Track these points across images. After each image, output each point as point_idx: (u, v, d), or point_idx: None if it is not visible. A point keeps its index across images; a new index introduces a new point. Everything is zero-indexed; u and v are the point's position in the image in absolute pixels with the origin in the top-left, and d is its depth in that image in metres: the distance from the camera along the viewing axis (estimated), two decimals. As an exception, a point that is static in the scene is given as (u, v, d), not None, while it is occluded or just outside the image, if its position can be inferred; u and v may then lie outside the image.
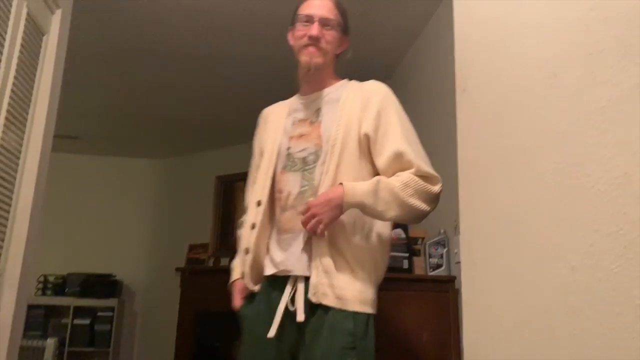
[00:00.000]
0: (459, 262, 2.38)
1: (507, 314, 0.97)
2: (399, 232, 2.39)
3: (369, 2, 2.83)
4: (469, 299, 1.13)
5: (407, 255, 2.41)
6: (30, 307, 2.05)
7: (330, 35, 1.60)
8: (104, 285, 5.16)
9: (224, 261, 5.01)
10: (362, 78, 1.70)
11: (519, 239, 0.97)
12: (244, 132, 4.96)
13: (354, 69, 3.75)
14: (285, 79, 3.87)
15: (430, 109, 2.91)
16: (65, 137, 4.89)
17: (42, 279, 5.09)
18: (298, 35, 1.62)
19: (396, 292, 2.28)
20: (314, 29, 1.57)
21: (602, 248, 0.74)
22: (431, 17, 2.98)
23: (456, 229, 2.42)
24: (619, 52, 0.74)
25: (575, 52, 0.83)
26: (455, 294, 2.32)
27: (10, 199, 1.86)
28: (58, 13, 2.13)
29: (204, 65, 3.66)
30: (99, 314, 5.08)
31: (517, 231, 0.97)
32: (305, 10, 1.63)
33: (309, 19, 1.59)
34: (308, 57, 1.59)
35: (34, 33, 1.95)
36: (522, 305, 0.92)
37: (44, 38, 2.05)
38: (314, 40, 1.57)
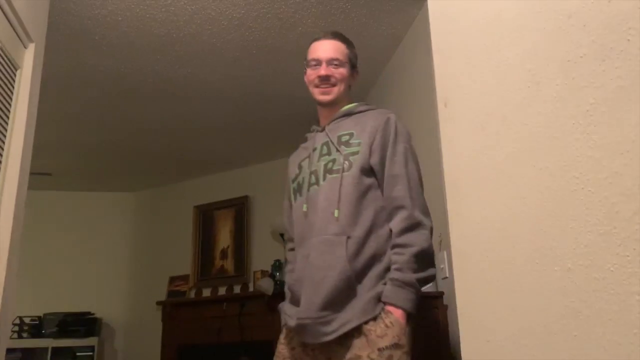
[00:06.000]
0: (445, 278, 2.38)
1: (505, 322, 0.97)
2: (385, 250, 2.39)
3: (343, 20, 2.88)
4: (464, 311, 1.13)
5: (393, 273, 2.40)
6: (7, 351, 1.98)
7: (339, 72, 1.73)
8: (82, 324, 5.02)
9: (205, 292, 4.93)
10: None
11: (511, 245, 0.98)
12: (220, 161, 4.99)
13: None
14: (258, 105, 3.89)
15: (410, 124, 2.95)
16: (38, 173, 4.80)
17: (17, 321, 4.93)
18: (307, 77, 1.78)
19: (385, 311, 2.26)
20: (323, 69, 1.72)
21: (596, 248, 0.76)
22: (404, 36, 3.04)
23: (440, 245, 2.44)
24: (598, 56, 0.77)
25: (556, 60, 0.86)
26: (444, 309, 2.32)
27: (-13, 237, 1.80)
28: (31, 47, 2.11)
29: (177, 95, 3.66)
30: (79, 354, 4.92)
31: (509, 238, 0.98)
32: (312, 53, 1.78)
33: (318, 62, 1.74)
34: (320, 95, 1.74)
35: (8, 67, 1.92)
36: (520, 312, 0.93)
37: (18, 72, 2.03)
38: (324, 79, 1.72)
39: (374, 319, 1.48)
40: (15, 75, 2.00)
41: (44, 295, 5.12)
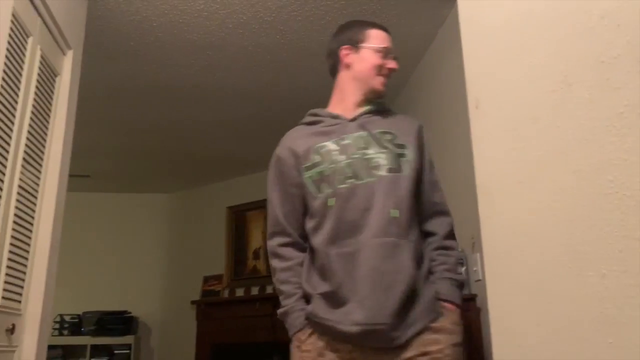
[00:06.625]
0: (478, 280, 2.36)
1: (537, 326, 0.96)
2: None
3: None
4: (496, 315, 1.11)
5: (425, 275, 2.38)
6: (48, 348, 2.05)
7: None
8: (119, 322, 5.15)
9: (239, 292, 4.99)
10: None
11: (543, 249, 0.96)
12: (252, 163, 5.04)
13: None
14: (290, 107, 3.92)
15: (440, 128, 2.92)
16: (77, 176, 4.94)
17: (58, 318, 5.08)
18: (374, 62, 1.68)
19: (417, 314, 2.25)
20: (394, 63, 1.71)
21: (632, 253, 0.74)
22: (435, 36, 3.01)
23: (473, 247, 2.41)
24: (633, 57, 0.75)
25: (588, 60, 0.84)
26: (478, 312, 2.29)
27: (30, 238, 1.87)
28: (69, 54, 2.18)
29: (210, 98, 3.71)
30: (116, 351, 5.05)
31: (541, 243, 0.97)
32: (381, 41, 1.71)
33: (387, 52, 1.70)
34: (382, 86, 1.70)
35: (48, 74, 1.99)
36: (553, 317, 0.91)
37: (57, 79, 2.10)
38: (390, 73, 1.70)
39: (436, 317, 1.51)
40: (54, 81, 2.07)
41: (83, 294, 5.27)
